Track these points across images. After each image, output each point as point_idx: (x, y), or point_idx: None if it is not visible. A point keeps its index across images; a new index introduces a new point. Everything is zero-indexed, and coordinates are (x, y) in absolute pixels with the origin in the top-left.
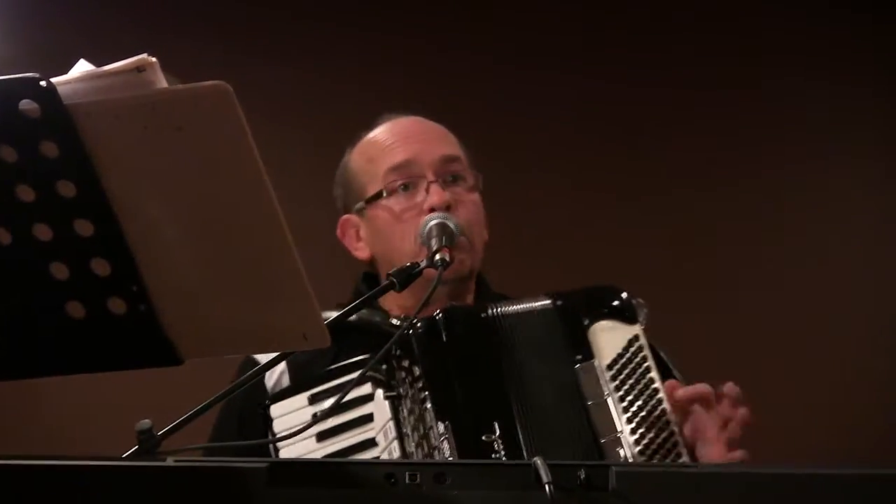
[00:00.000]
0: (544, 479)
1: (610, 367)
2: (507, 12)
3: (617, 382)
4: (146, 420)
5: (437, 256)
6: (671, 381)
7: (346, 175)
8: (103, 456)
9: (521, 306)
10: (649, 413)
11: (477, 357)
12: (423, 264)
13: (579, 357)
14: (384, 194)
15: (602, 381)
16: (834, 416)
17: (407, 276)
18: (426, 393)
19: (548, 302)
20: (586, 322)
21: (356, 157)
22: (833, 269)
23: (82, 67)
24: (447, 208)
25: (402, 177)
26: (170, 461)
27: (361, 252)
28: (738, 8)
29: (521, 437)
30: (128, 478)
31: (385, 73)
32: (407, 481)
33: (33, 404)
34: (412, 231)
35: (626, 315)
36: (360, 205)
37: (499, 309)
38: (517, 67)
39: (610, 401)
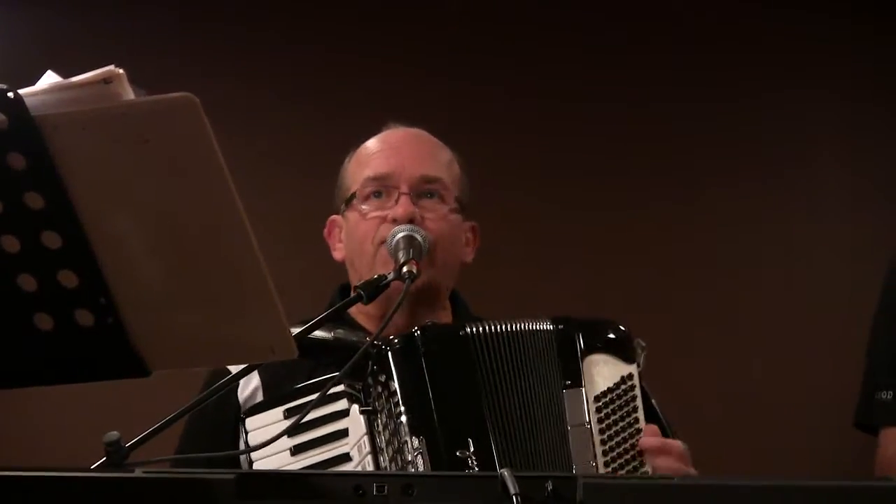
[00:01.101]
0: (511, 490)
1: (598, 398)
2: (494, 25)
3: (601, 415)
4: (114, 431)
5: (405, 269)
6: (652, 426)
7: (340, 176)
8: (71, 467)
9: (522, 326)
10: (625, 451)
11: (453, 374)
12: (390, 276)
13: (569, 382)
14: (356, 197)
15: (586, 410)
16: (828, 417)
17: (375, 289)
18: (401, 408)
19: (549, 325)
20: (583, 351)
21: (351, 161)
22: (833, 272)
23: (49, 79)
24: (411, 221)
25: (377, 186)
26: (138, 472)
27: (338, 253)
28: (738, 14)
29: (495, 453)
30: (95, 489)
31: (356, 89)
32: (375, 493)
33: (4, 415)
34: (371, 235)
35: (624, 353)
36: (342, 206)
37: (484, 327)
38: (511, 83)
39: (591, 430)
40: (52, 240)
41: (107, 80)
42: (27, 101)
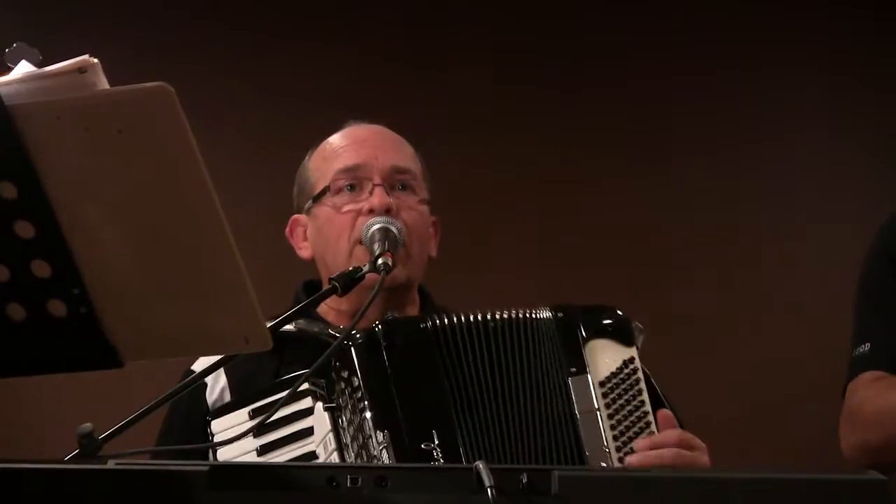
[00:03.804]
0: (486, 482)
1: (602, 383)
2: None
3: (608, 400)
4: (87, 423)
5: (380, 261)
6: (665, 412)
7: (301, 175)
8: (44, 459)
9: (521, 314)
10: (636, 434)
11: (416, 366)
12: (365, 269)
13: (574, 370)
14: (328, 191)
15: (593, 396)
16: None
17: (349, 281)
18: (365, 403)
19: (549, 313)
20: (583, 337)
21: (313, 158)
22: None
23: (24, 68)
24: (387, 212)
25: (349, 178)
26: (111, 464)
27: (305, 251)
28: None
29: (460, 445)
30: (68, 481)
31: (325, 80)
32: (348, 485)
33: None
34: (349, 229)
35: (623, 336)
36: (308, 203)
37: (448, 318)
38: (508, 80)
39: (599, 415)
40: (25, 230)
41: (81, 70)
42: (1, 90)
